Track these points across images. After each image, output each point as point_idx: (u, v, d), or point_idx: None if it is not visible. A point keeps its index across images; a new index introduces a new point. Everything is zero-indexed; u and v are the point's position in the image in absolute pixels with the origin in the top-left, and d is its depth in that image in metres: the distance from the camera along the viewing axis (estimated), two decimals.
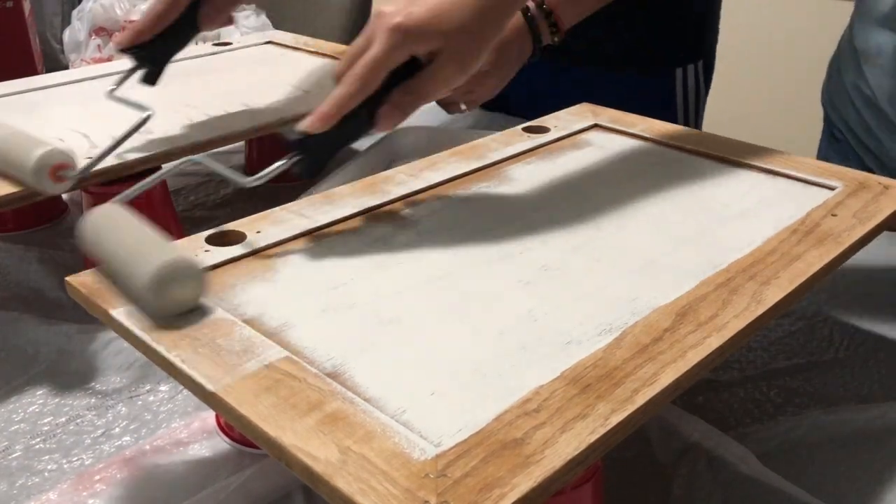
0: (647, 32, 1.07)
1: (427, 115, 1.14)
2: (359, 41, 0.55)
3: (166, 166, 0.57)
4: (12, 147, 0.61)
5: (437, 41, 0.54)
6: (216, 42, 1.04)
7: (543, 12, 0.90)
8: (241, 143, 0.97)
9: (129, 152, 0.68)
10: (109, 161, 0.66)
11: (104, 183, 0.67)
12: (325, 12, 1.72)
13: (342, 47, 1.00)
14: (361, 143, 1.05)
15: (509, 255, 0.53)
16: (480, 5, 0.55)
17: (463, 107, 0.96)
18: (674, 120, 1.12)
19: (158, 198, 0.72)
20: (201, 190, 0.93)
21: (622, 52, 1.08)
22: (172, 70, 0.91)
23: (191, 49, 1.01)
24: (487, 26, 0.56)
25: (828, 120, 1.01)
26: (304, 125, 0.53)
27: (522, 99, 1.10)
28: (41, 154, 0.59)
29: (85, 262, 0.72)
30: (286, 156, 0.54)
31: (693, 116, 1.14)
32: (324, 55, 0.98)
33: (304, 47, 1.00)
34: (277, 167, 0.54)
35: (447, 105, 0.95)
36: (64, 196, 0.88)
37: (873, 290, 0.73)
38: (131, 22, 1.28)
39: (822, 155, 1.03)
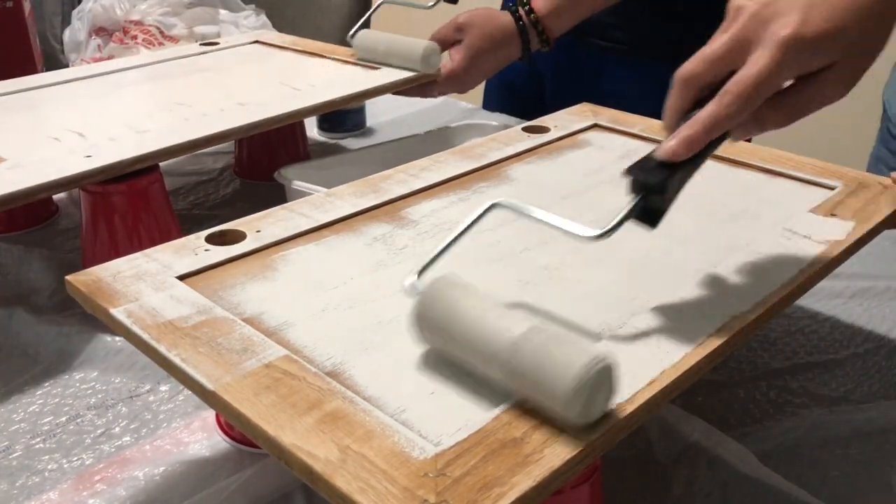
0: (653, 14, 1.07)
1: (429, 114, 1.14)
2: (723, 43, 0.46)
3: None
4: (398, 43, 0.88)
5: (834, 56, 0.45)
6: (203, 42, 1.04)
7: (532, 21, 0.93)
8: (231, 143, 0.97)
9: (125, 151, 0.67)
10: (106, 160, 0.65)
11: (102, 182, 0.67)
12: (325, 12, 1.72)
13: (329, 46, 1.00)
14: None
15: (509, 255, 0.53)
16: (881, 14, 0.46)
17: (436, 92, 0.97)
18: None
19: (156, 197, 0.72)
20: (200, 189, 0.93)
21: (631, 35, 1.08)
22: (164, 70, 0.92)
23: (178, 49, 1.01)
24: (882, 40, 0.47)
25: (886, 116, 1.03)
26: (663, 151, 0.44)
27: (532, 85, 1.14)
28: (426, 45, 0.87)
29: (83, 262, 0.72)
30: (629, 200, 0.44)
31: None
32: (311, 54, 0.98)
33: (291, 46, 1.00)
34: (621, 217, 0.43)
35: (425, 90, 0.96)
36: (55, 197, 0.88)
37: (873, 289, 0.73)
38: (131, 22, 1.28)
39: (876, 154, 1.04)
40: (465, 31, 0.94)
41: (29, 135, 0.73)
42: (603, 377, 0.35)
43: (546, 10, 0.93)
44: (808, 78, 0.46)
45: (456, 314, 0.40)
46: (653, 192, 0.43)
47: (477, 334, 0.39)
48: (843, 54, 0.45)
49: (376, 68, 0.90)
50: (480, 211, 0.45)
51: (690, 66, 0.46)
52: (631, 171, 0.44)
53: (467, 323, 0.39)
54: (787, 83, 0.46)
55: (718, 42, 0.46)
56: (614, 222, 0.42)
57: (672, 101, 0.47)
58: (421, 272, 0.44)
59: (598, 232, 0.42)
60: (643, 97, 1.08)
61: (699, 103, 0.45)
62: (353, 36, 0.92)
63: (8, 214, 0.82)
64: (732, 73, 0.45)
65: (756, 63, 0.44)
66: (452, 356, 0.41)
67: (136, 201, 0.70)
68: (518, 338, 0.37)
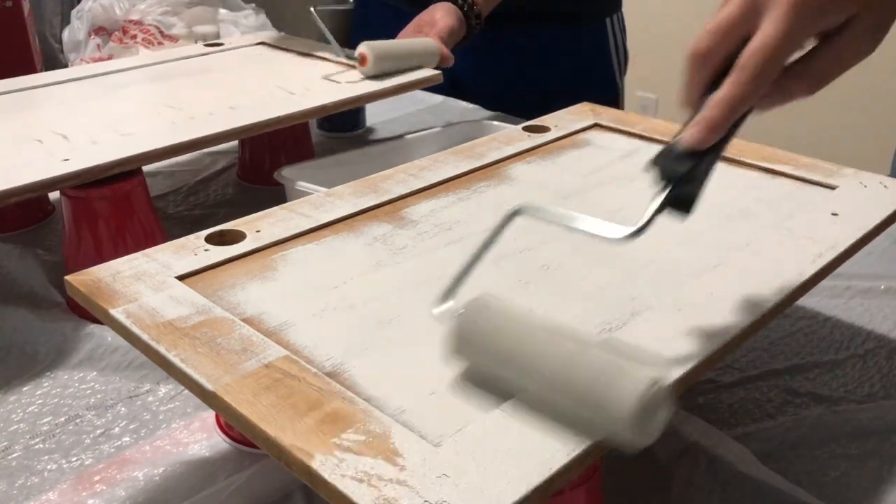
0: None
1: (429, 114, 1.14)
2: (731, 12, 0.42)
3: None
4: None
5: (851, 9, 0.42)
6: (207, 42, 1.04)
7: (469, 2, 1.03)
8: (235, 144, 0.97)
9: (104, 155, 0.66)
10: (82, 164, 0.64)
11: (81, 185, 0.65)
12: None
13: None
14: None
15: (509, 255, 0.53)
16: None
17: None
18: (610, 68, 1.25)
19: (138, 201, 0.70)
20: (201, 189, 0.93)
21: (559, 9, 1.18)
22: (163, 71, 0.92)
23: (181, 49, 1.01)
24: None
25: None
26: (688, 140, 0.42)
27: (468, 73, 1.19)
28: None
29: (66, 266, 0.71)
30: (657, 192, 0.42)
31: (623, 64, 1.27)
32: (315, 56, 0.97)
33: (295, 48, 1.00)
34: (653, 212, 0.41)
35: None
36: (50, 197, 0.87)
37: (873, 289, 0.73)
38: (131, 21, 1.28)
39: None
40: (431, 19, 1.00)
41: (13, 136, 0.71)
42: (660, 399, 0.35)
43: None
44: (829, 38, 0.43)
45: (502, 332, 0.38)
46: (683, 181, 0.41)
47: (527, 350, 0.37)
48: (861, 6, 0.42)
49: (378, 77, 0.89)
50: (502, 220, 0.44)
51: (701, 41, 0.43)
52: (657, 161, 0.42)
53: (516, 341, 0.38)
54: (809, 46, 0.44)
55: (726, 11, 0.42)
56: (645, 219, 0.40)
57: (688, 79, 0.43)
58: (445, 297, 0.43)
59: (630, 231, 0.40)
60: (547, 61, 1.19)
61: (719, 75, 0.42)
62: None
63: (1, 214, 0.82)
64: (747, 40, 0.42)
65: (766, 31, 0.41)
66: (494, 374, 0.39)
67: (118, 206, 0.69)
68: (575, 356, 0.36)
